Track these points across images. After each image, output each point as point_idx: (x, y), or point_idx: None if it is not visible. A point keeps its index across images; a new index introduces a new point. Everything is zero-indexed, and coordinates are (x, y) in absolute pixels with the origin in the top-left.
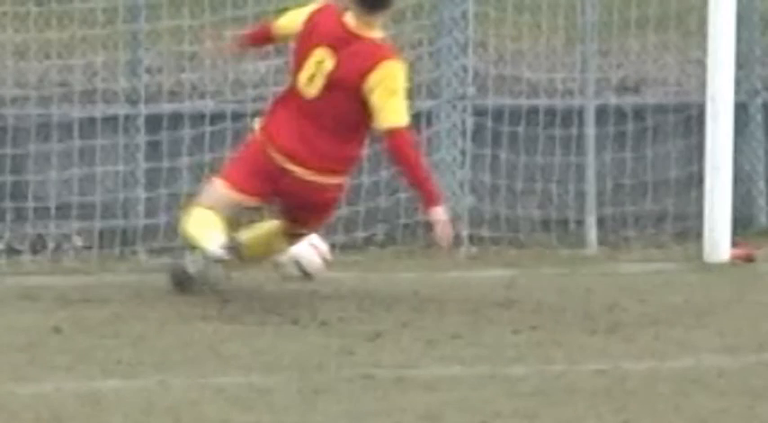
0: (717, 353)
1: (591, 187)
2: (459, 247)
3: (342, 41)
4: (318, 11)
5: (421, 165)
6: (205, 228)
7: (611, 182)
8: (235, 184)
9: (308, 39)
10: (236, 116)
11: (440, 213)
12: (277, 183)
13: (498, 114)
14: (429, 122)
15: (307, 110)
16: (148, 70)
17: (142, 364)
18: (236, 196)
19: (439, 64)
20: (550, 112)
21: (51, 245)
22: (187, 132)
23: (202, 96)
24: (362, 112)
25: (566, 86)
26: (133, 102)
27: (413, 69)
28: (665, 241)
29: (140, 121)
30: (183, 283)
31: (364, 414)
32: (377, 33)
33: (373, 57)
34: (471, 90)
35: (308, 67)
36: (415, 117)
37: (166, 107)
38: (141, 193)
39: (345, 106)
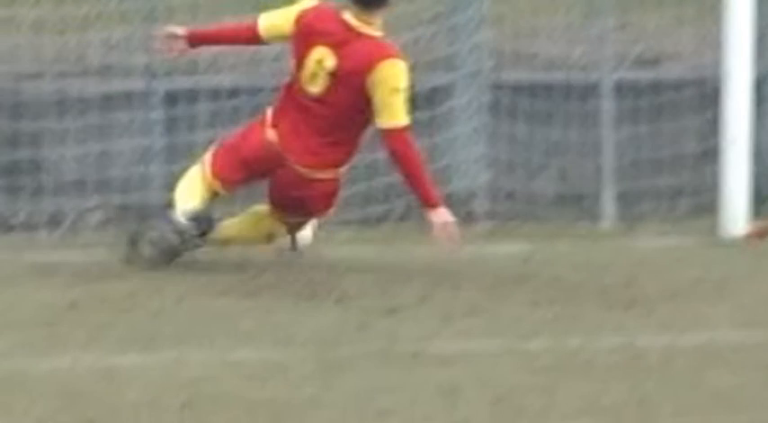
0: (733, 328)
1: (607, 162)
2: (475, 222)
3: (342, 39)
4: (308, 11)
5: (420, 166)
6: (187, 192)
7: (628, 157)
8: (219, 173)
9: (303, 38)
10: (253, 91)
11: (442, 214)
12: (272, 172)
13: (515, 89)
14: (446, 98)
15: (309, 107)
16: None
17: (159, 339)
18: (215, 183)
19: (456, 39)
20: (567, 86)
21: (68, 220)
22: (204, 107)
23: (219, 71)
24: (365, 109)
25: (583, 61)
26: (150, 76)
27: (430, 44)
28: (681, 216)
29: (157, 97)
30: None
31: (381, 389)
32: (377, 31)
33: (375, 55)
34: (488, 65)
35: (308, 66)
36: (432, 92)
37: (183, 82)
38: (158, 169)
39: (349, 104)
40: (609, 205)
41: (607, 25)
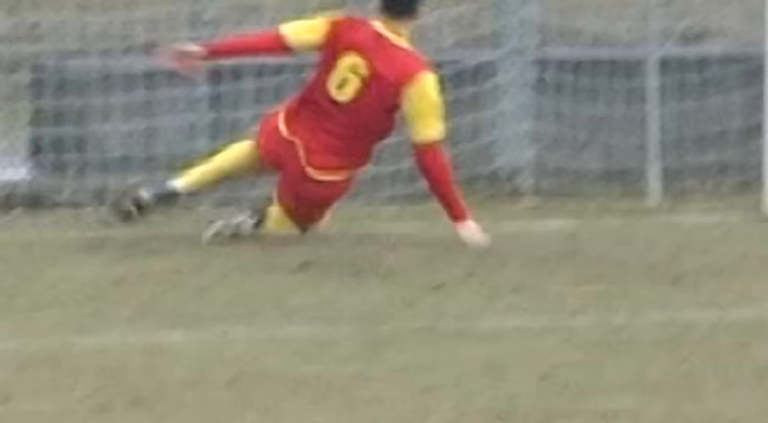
0: None
1: (653, 138)
2: (520, 198)
3: (374, 48)
4: (340, 21)
5: (450, 180)
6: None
7: (674, 133)
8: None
9: (334, 46)
10: (298, 68)
11: (469, 227)
12: (281, 168)
13: (560, 65)
14: (491, 74)
15: (332, 114)
16: (210, 22)
17: (205, 316)
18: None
19: (501, 15)
20: (613, 62)
21: (114, 197)
22: (249, 84)
23: None
24: (390, 119)
25: (628, 37)
26: None
27: (475, 21)
28: (726, 192)
29: (202, 73)
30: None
31: (426, 365)
32: (405, 42)
33: (414, 66)
34: (533, 41)
35: (338, 73)
36: (477, 69)
37: (227, 59)
38: (204, 145)
39: (376, 112)
40: (654, 181)
41: (652, 1)
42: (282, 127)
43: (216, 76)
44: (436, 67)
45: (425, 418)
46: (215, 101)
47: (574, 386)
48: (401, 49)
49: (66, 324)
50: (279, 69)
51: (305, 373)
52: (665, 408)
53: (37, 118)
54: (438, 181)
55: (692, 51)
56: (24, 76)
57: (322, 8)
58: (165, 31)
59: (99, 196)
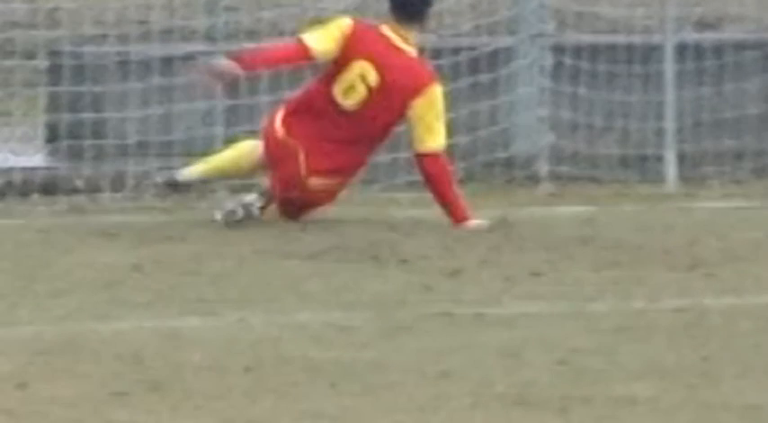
0: None
1: (670, 124)
2: (538, 184)
3: (383, 55)
4: (353, 26)
5: (452, 187)
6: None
7: (691, 118)
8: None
9: (345, 51)
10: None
11: (473, 224)
12: (275, 166)
13: (577, 51)
14: (508, 60)
15: (336, 120)
16: (227, 8)
17: (222, 302)
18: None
19: (518, 1)
20: (630, 48)
21: (131, 183)
22: (265, 70)
23: (281, 34)
24: (393, 127)
25: (645, 23)
26: (212, 40)
27: (492, 6)
28: (743, 178)
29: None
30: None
31: (444, 351)
32: (413, 48)
33: (424, 77)
34: (550, 27)
35: (347, 79)
36: (494, 54)
37: (245, 45)
38: (220, 131)
39: (382, 119)
40: (671, 167)
41: None
42: (279, 127)
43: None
44: (453, 52)
45: (443, 404)
46: (231, 87)
47: (591, 372)
48: (411, 58)
49: (83, 310)
50: None
51: (323, 358)
52: (681, 394)
53: (54, 104)
54: (440, 188)
55: (709, 37)
56: (41, 62)
57: None
58: (182, 16)
59: (116, 182)
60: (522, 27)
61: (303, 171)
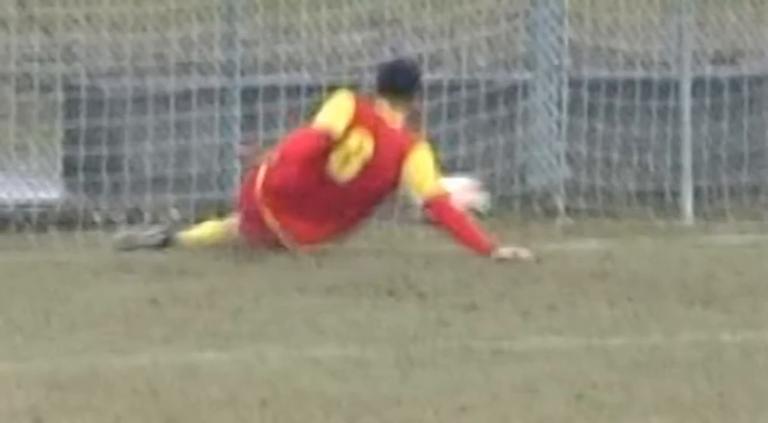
0: None
1: (687, 159)
2: (555, 218)
3: (376, 127)
4: (355, 100)
5: (467, 223)
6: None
7: (708, 153)
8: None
9: (348, 124)
10: (332, 88)
11: (503, 253)
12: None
13: (594, 86)
14: (525, 94)
15: (329, 194)
16: (244, 42)
17: (238, 336)
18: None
19: (535, 35)
20: (647, 83)
21: (147, 217)
22: (283, 104)
23: (298, 68)
24: (383, 201)
25: (662, 58)
26: (229, 74)
27: (509, 41)
28: (760, 212)
29: (236, 94)
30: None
31: (460, 385)
32: (400, 123)
33: (407, 143)
34: (567, 62)
35: (344, 148)
36: (512, 89)
37: (262, 79)
38: (237, 165)
39: (375, 191)
40: (688, 202)
41: (686, 22)
42: (260, 195)
43: (249, 96)
44: (470, 87)
45: None
46: (249, 121)
47: (608, 407)
48: (395, 130)
49: (100, 344)
50: (313, 89)
51: (339, 393)
52: None
53: (70, 138)
54: (455, 228)
55: (726, 72)
56: (58, 96)
57: (357, 26)
58: (199, 50)
59: (132, 216)
60: (539, 62)
61: (293, 244)
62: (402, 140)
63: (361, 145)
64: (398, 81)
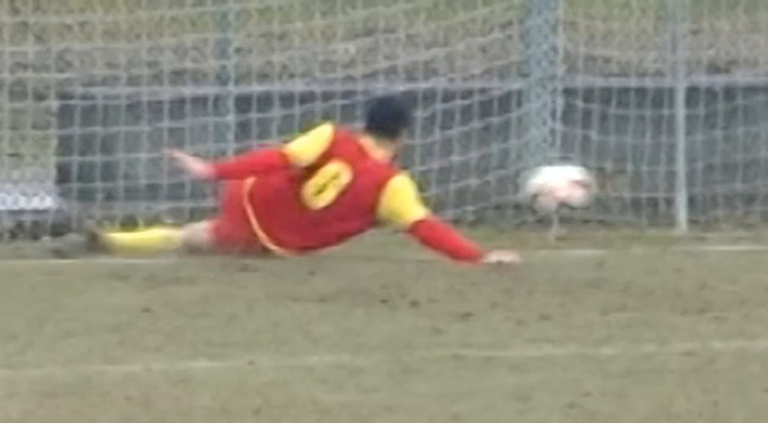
0: None
1: (681, 167)
2: (548, 227)
3: (357, 159)
4: (335, 133)
5: (451, 238)
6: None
7: (702, 162)
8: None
9: (323, 155)
10: (326, 96)
11: (492, 257)
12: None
13: (588, 94)
14: (519, 102)
15: (309, 217)
16: (238, 50)
17: (232, 345)
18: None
19: (529, 44)
20: (641, 92)
21: (141, 224)
22: (276, 112)
23: (292, 77)
24: (359, 232)
25: (656, 67)
26: (222, 82)
27: (503, 49)
28: (754, 222)
29: (230, 102)
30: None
31: (454, 394)
32: (384, 157)
33: (381, 176)
34: (561, 70)
35: (319, 177)
36: (506, 97)
37: (256, 87)
38: None
39: (352, 219)
40: (682, 210)
41: (681, 30)
42: (246, 200)
43: (243, 104)
44: (464, 95)
45: None
46: (242, 129)
47: (601, 415)
48: (376, 161)
49: (93, 352)
50: (306, 97)
51: (331, 401)
52: None
53: (64, 146)
54: (443, 246)
55: (720, 81)
56: (52, 104)
57: (351, 35)
58: (193, 58)
59: (126, 224)
60: (533, 70)
61: (277, 251)
62: (380, 171)
63: (337, 174)
64: (383, 121)
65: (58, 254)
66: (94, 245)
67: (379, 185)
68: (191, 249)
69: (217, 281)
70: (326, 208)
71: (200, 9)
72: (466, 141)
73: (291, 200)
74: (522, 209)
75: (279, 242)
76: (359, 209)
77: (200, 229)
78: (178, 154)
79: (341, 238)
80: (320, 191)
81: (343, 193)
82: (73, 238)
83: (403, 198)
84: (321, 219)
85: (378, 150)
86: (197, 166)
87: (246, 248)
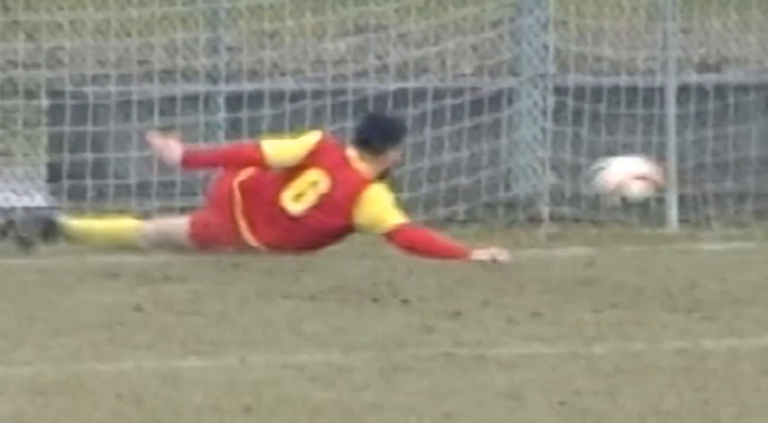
0: None
1: (672, 166)
2: (539, 225)
3: (339, 169)
4: (321, 141)
5: (434, 239)
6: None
7: (692, 161)
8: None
9: (305, 161)
10: (317, 94)
11: (478, 254)
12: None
13: (579, 93)
14: (510, 101)
15: (287, 224)
16: (229, 48)
17: (223, 343)
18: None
19: (520, 42)
20: (631, 90)
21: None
22: (267, 111)
23: (282, 75)
24: (336, 239)
25: (647, 65)
26: (213, 80)
27: (494, 48)
28: (745, 220)
29: (221, 100)
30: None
31: (444, 392)
32: (367, 169)
33: (356, 185)
34: (552, 68)
35: (298, 185)
36: (496, 95)
37: (247, 85)
38: (221, 171)
39: (330, 226)
40: (673, 209)
41: (671, 29)
42: (237, 194)
43: (234, 102)
44: (455, 93)
45: None
46: (233, 127)
47: (591, 414)
48: (356, 170)
49: (83, 350)
50: (298, 95)
51: (322, 399)
52: None
53: (55, 144)
54: (427, 250)
55: (711, 79)
56: (43, 102)
57: (341, 33)
58: (184, 56)
59: None
60: (523, 69)
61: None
62: (357, 181)
63: (316, 182)
64: (368, 137)
65: (23, 241)
66: (51, 231)
67: (354, 195)
68: (162, 242)
69: (208, 279)
70: (304, 214)
71: (191, 7)
72: (457, 140)
73: (273, 199)
74: (513, 207)
75: (259, 237)
76: (334, 218)
77: (178, 224)
78: (156, 139)
79: (315, 244)
80: (299, 196)
81: (320, 201)
82: (31, 225)
83: (380, 206)
84: (297, 224)
85: (360, 163)
86: (171, 154)
87: (225, 242)
